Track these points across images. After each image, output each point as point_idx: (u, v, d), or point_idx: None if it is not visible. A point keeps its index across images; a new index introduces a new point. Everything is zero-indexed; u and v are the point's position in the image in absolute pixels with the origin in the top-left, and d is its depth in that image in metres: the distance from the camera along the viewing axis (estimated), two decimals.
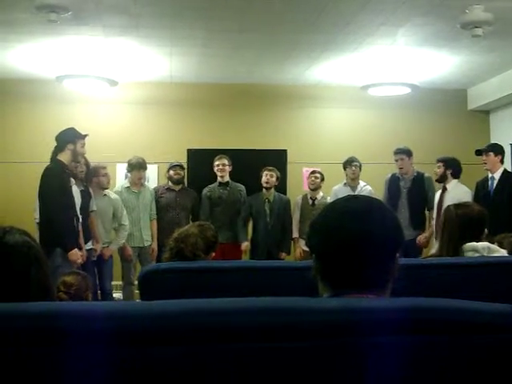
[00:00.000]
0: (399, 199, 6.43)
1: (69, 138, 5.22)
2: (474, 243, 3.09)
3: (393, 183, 6.54)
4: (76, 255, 4.90)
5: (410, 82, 7.50)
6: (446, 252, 3.09)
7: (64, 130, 5.31)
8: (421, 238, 6.31)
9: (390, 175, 6.70)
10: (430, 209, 6.45)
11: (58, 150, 5.20)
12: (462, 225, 3.14)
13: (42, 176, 5.09)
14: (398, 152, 6.53)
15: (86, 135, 5.36)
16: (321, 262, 1.43)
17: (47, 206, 4.99)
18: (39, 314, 1.04)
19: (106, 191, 6.16)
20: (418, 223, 6.38)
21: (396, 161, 6.53)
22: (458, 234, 3.11)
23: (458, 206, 3.36)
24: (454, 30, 5.43)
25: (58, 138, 5.27)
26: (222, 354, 1.03)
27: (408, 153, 6.51)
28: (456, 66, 7.03)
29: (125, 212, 6.22)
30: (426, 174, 6.54)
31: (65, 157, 5.16)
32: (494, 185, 5.92)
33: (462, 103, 8.39)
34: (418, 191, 6.43)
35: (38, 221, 5.27)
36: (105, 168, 6.16)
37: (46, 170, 5.11)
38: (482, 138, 7.80)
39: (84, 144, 5.35)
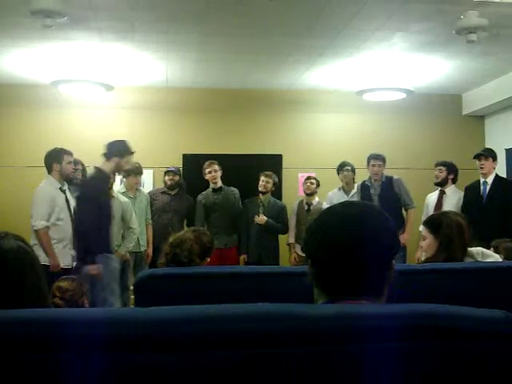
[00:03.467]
0: None
1: (118, 151, 5.17)
2: (469, 248, 3.12)
3: (364, 191, 6.54)
4: (94, 270, 4.78)
5: (406, 87, 7.52)
6: (451, 258, 3.09)
7: (117, 141, 5.26)
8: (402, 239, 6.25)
9: (360, 183, 6.68)
10: (407, 209, 6.46)
11: (105, 158, 5.17)
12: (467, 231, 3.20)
13: (86, 184, 5.14)
14: (377, 157, 6.52)
15: (133, 152, 5.32)
16: (316, 268, 1.43)
17: (86, 216, 4.91)
18: (33, 320, 1.04)
19: (115, 194, 6.13)
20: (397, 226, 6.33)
21: (373, 166, 6.49)
22: (468, 240, 3.16)
23: (456, 213, 3.42)
24: (449, 36, 5.45)
25: (107, 147, 5.22)
26: (217, 361, 1.03)
27: (384, 160, 6.53)
28: (451, 71, 7.05)
29: (134, 215, 6.16)
30: (395, 177, 6.55)
31: (108, 166, 5.13)
32: (487, 189, 5.94)
33: (456, 108, 8.41)
34: (389, 195, 6.40)
35: (36, 227, 5.23)
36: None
37: (91, 178, 5.14)
38: (476, 142, 7.82)
39: (129, 161, 5.30)
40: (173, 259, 3.36)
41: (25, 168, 7.39)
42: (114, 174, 5.37)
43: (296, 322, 1.08)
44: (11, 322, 1.03)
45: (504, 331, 1.12)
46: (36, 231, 5.25)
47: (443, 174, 6.26)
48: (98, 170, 5.11)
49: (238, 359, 1.03)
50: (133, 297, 2.32)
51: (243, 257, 6.52)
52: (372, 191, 6.47)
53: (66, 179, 5.49)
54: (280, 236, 6.79)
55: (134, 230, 6.12)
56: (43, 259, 4.97)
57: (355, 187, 6.84)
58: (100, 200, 4.95)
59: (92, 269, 4.76)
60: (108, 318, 1.06)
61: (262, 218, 6.48)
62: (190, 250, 3.39)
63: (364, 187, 6.55)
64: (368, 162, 6.55)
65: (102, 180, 5.06)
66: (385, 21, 5.26)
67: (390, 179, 6.51)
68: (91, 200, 4.89)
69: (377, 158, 6.51)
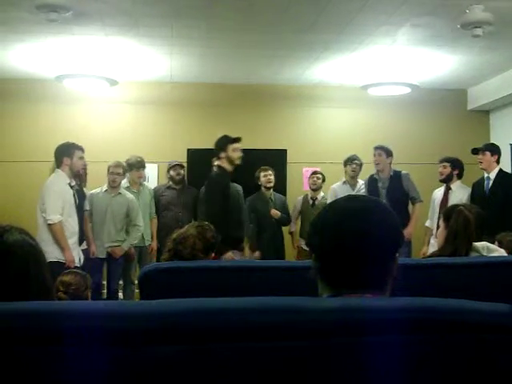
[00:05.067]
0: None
1: (220, 145, 5.26)
2: (474, 243, 3.13)
3: (371, 184, 6.52)
4: (230, 256, 4.84)
5: (410, 82, 7.49)
6: (456, 251, 3.11)
7: (217, 140, 5.32)
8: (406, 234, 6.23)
9: (368, 177, 6.66)
10: (414, 203, 6.42)
11: (217, 158, 5.28)
12: (478, 225, 3.23)
13: (209, 183, 5.25)
14: (378, 148, 6.50)
15: (238, 138, 5.30)
16: (321, 262, 1.43)
17: (213, 214, 5.01)
18: (37, 312, 1.04)
19: (122, 190, 6.13)
20: (403, 221, 6.32)
21: (374, 155, 6.49)
22: (475, 234, 3.19)
23: (465, 206, 3.45)
24: (454, 30, 5.42)
25: (215, 146, 5.31)
26: (221, 354, 1.03)
27: (387, 151, 6.47)
28: (456, 65, 7.03)
29: (140, 212, 6.17)
30: (403, 172, 6.50)
31: (223, 163, 5.20)
32: (490, 185, 5.91)
33: (461, 103, 8.39)
34: (397, 189, 6.36)
35: (51, 221, 5.11)
36: (117, 166, 6.12)
37: (212, 177, 5.24)
38: (481, 137, 7.78)
39: (237, 147, 5.28)
40: (176, 255, 3.35)
41: (29, 162, 7.40)
42: (235, 165, 5.31)
43: (298, 314, 1.08)
44: (13, 315, 1.03)
45: (508, 324, 1.12)
46: (50, 225, 5.13)
47: (447, 170, 6.21)
48: (218, 168, 5.20)
49: (240, 352, 1.03)
50: (137, 291, 2.33)
51: (258, 253, 6.46)
52: (380, 184, 6.45)
53: (75, 175, 5.44)
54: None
55: (139, 227, 6.12)
56: (53, 255, 4.90)
57: (359, 182, 6.84)
58: (225, 196, 5.10)
59: (228, 256, 4.81)
60: (110, 311, 1.06)
61: (276, 212, 6.51)
62: (193, 246, 3.37)
63: (371, 181, 6.53)
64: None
65: (222, 178, 5.16)
66: (389, 15, 5.25)
67: (398, 174, 6.47)
68: (217, 197, 5.06)
69: (376, 148, 6.50)
